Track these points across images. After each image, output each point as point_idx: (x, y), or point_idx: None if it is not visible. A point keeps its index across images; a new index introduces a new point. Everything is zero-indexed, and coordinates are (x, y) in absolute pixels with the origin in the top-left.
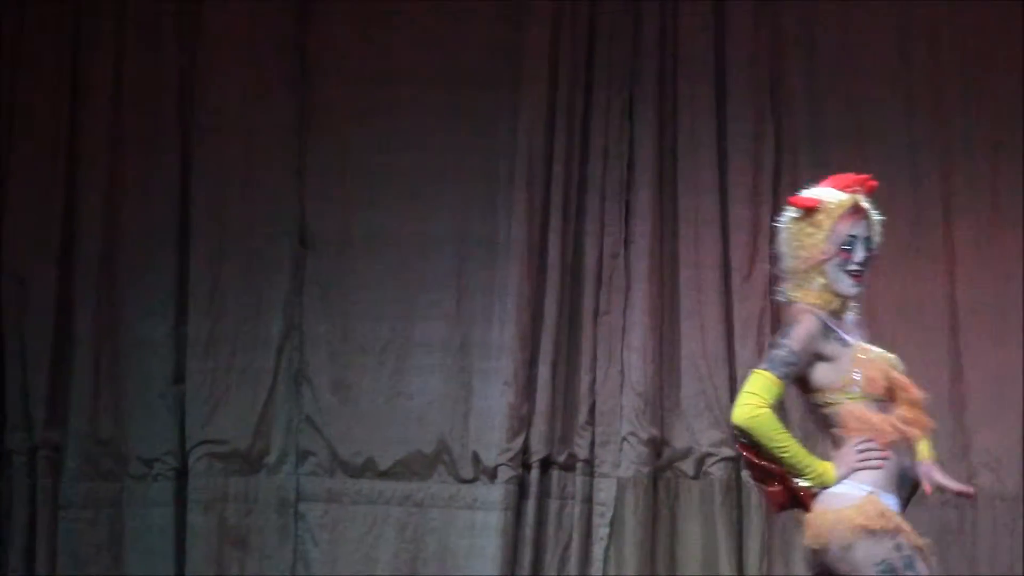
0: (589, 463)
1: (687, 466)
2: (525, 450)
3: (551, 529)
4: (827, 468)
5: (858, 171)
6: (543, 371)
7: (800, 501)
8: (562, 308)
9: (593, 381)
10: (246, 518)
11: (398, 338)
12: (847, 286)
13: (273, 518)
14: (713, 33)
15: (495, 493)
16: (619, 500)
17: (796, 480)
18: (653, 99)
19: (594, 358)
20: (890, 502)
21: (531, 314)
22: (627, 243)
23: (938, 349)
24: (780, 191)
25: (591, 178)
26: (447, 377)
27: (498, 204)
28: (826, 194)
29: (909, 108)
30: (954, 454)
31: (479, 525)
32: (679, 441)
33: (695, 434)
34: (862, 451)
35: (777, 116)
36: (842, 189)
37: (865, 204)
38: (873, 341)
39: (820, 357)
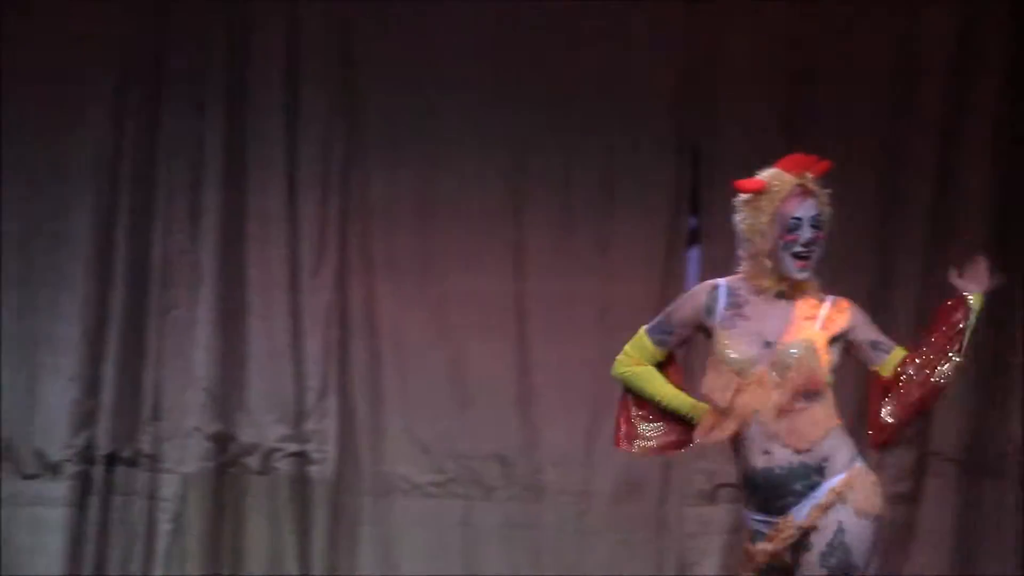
0: (154, 459)
1: (253, 461)
2: (90, 446)
3: (116, 525)
4: (698, 409)
5: (432, 170)
6: (109, 367)
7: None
8: (129, 304)
9: (159, 377)
10: None
11: None
12: (794, 270)
13: None
14: (284, 30)
15: (59, 489)
16: (184, 496)
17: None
18: (223, 96)
19: (160, 354)
20: (750, 518)
21: (97, 310)
22: (195, 240)
23: (506, 344)
24: (349, 189)
25: (159, 174)
26: (11, 372)
27: (65, 199)
28: (772, 176)
29: (483, 105)
30: (522, 449)
31: (42, 521)
32: (245, 436)
33: (262, 429)
34: None
35: (348, 114)
36: (789, 170)
37: (812, 185)
38: (442, 339)
39: (706, 331)
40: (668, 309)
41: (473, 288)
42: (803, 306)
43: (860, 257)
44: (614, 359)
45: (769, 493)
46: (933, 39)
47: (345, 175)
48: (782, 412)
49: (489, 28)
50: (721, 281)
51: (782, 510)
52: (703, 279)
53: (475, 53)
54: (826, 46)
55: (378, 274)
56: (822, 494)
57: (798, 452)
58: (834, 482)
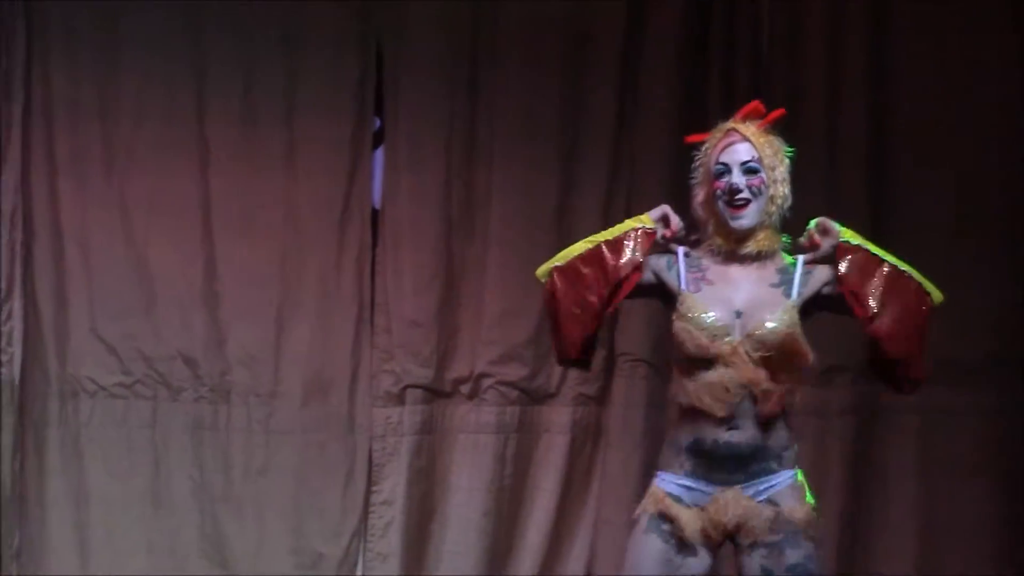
0: None
1: None
2: None
3: None
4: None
5: (114, 69)
6: None
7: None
8: None
9: None
10: None
11: None
12: (729, 218)
13: None
14: None
15: None
16: None
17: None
18: None
19: None
20: (666, 480)
21: None
22: None
23: (192, 245)
24: (32, 88)
25: None
26: None
27: None
28: (716, 127)
29: (164, 1)
30: (208, 350)
31: None
32: None
33: None
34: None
35: (28, 11)
36: (733, 117)
37: (745, 129)
38: (127, 240)
39: (665, 295)
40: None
41: (157, 188)
42: (765, 268)
43: (545, 175)
44: (299, 259)
45: (722, 465)
46: None
47: (27, 73)
48: (764, 393)
49: None
50: (678, 248)
51: (726, 483)
52: (387, 180)
53: None
54: None
55: (61, 174)
56: (780, 486)
57: (763, 431)
58: (786, 479)
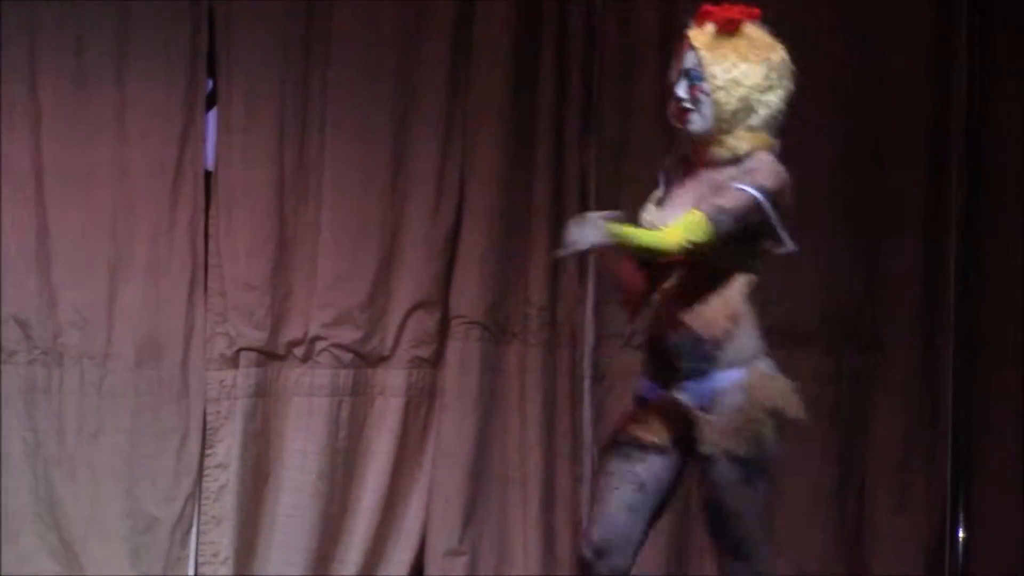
0: None
1: None
2: None
3: None
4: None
5: None
6: None
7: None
8: None
9: None
10: None
11: None
12: (674, 121)
13: None
14: None
15: None
16: None
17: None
18: None
19: None
20: (643, 386)
21: None
22: None
23: (24, 206)
24: None
25: None
26: None
27: None
28: None
29: None
30: (40, 312)
31: None
32: None
33: None
34: None
35: None
36: (694, 21)
37: (695, 35)
38: None
39: None
40: None
41: None
42: (713, 173)
43: (380, 136)
44: (132, 221)
45: (662, 362)
46: None
47: None
48: (676, 292)
49: None
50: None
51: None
52: (220, 142)
53: None
54: None
55: None
56: (720, 385)
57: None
58: (732, 377)
